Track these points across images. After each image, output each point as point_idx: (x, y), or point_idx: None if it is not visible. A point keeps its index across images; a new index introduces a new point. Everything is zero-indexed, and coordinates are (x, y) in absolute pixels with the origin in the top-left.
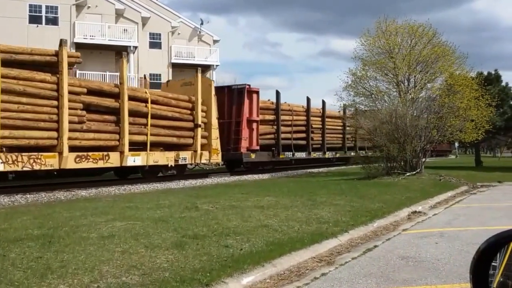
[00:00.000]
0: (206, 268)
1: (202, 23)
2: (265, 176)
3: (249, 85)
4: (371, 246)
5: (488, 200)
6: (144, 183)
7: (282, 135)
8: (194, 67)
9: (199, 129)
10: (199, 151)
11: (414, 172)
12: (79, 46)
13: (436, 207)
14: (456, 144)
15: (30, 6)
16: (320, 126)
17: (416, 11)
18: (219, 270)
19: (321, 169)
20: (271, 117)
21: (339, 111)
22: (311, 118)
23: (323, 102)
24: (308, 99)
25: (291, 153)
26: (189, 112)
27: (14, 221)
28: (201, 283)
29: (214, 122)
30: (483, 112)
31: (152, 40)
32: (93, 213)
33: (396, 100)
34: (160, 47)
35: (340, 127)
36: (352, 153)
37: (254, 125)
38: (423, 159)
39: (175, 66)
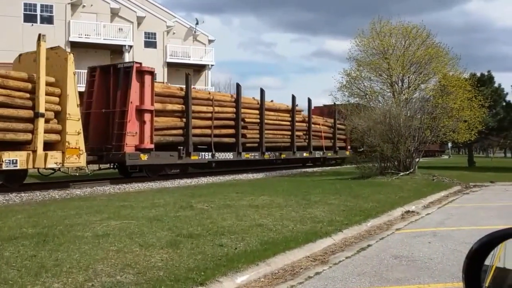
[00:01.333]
0: (201, 267)
1: (197, 23)
2: (260, 175)
3: (140, 63)
4: (364, 245)
5: (480, 200)
6: (139, 182)
7: (196, 131)
8: (190, 66)
9: (41, 119)
10: (40, 151)
11: (407, 172)
12: (74, 45)
13: (429, 206)
14: (449, 145)
15: (25, 4)
16: (258, 120)
17: (409, 12)
18: (214, 269)
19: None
20: (179, 107)
21: (303, 110)
22: (243, 110)
23: (261, 91)
24: (237, 86)
25: (210, 153)
26: (27, 96)
27: (9, 219)
28: (196, 282)
29: (74, 111)
30: (476, 113)
31: (147, 40)
32: (88, 212)
33: (390, 100)
34: (155, 47)
35: (288, 123)
36: (305, 154)
37: (147, 117)
38: (417, 159)
39: (170, 66)
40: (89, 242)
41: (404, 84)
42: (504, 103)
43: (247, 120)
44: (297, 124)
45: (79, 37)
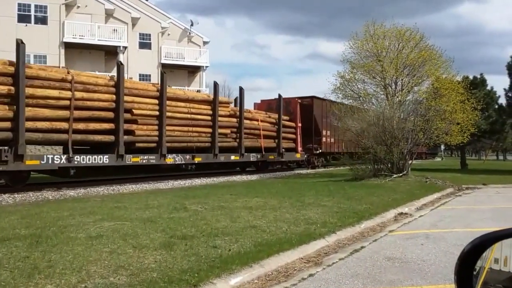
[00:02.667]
0: (194, 269)
1: (192, 24)
2: (254, 177)
3: None
4: (358, 247)
5: (473, 202)
6: (133, 183)
7: (40, 124)
8: (184, 68)
9: None
10: None
11: (400, 174)
12: (68, 46)
13: (422, 208)
14: (442, 147)
15: (19, 5)
16: (156, 113)
17: (401, 15)
18: (207, 271)
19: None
20: (3, 89)
21: (232, 102)
22: (131, 98)
23: (162, 75)
24: (118, 66)
25: (65, 156)
26: None
27: (2, 220)
28: (189, 283)
29: None
30: (469, 116)
31: (142, 41)
32: (81, 213)
33: (383, 102)
34: (150, 48)
35: (209, 117)
36: (234, 157)
37: None
38: (410, 161)
39: (165, 67)
40: (82, 244)
41: (398, 87)
42: (496, 106)
43: (137, 111)
44: (221, 119)
45: (73, 38)
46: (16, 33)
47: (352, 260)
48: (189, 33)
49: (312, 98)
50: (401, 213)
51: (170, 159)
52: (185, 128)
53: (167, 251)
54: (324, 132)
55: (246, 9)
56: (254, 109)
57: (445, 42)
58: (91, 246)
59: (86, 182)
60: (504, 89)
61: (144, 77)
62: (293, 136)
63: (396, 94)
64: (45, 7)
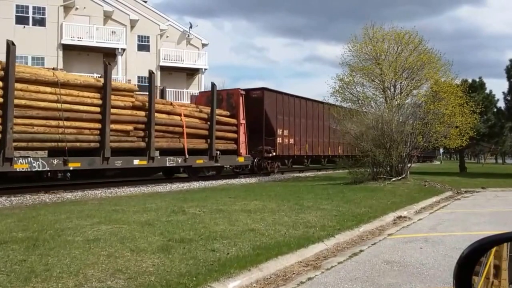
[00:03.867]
0: (192, 272)
1: (191, 27)
2: (253, 180)
3: None
4: (357, 250)
5: (472, 205)
6: (130, 186)
7: None
8: (183, 70)
9: None
10: None
11: (399, 178)
12: (66, 48)
13: (421, 212)
14: (441, 150)
15: (17, 6)
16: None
17: (399, 18)
18: (206, 274)
19: (308, 173)
20: None
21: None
22: None
23: (8, 46)
24: None
25: None
26: None
27: None
28: (187, 287)
29: None
30: (468, 119)
31: (140, 43)
32: (79, 216)
33: (382, 106)
34: (148, 50)
35: (98, 108)
36: (138, 161)
37: None
38: (409, 165)
39: (163, 69)
40: (79, 247)
41: (397, 90)
42: (495, 109)
43: None
44: (120, 111)
45: (72, 39)
46: (14, 35)
47: (351, 263)
48: (188, 36)
49: (263, 90)
50: (400, 217)
51: (22, 165)
52: (53, 122)
53: (165, 254)
54: (279, 132)
55: (244, 12)
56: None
57: (443, 45)
58: (88, 249)
59: (84, 185)
60: (503, 92)
61: (143, 80)
62: (233, 135)
63: (395, 97)
64: (43, 8)
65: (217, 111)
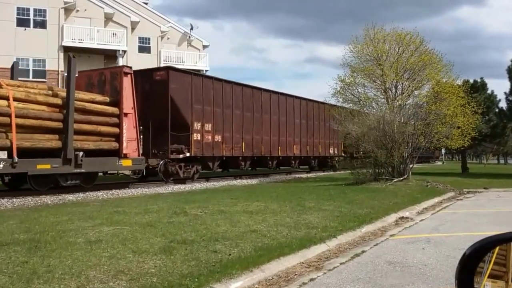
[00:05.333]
0: (194, 274)
1: (192, 28)
2: (254, 181)
3: None
4: (359, 251)
5: (474, 206)
6: (132, 187)
7: None
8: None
9: None
10: None
11: (401, 178)
12: (67, 50)
13: (423, 213)
14: (443, 151)
15: (18, 9)
16: None
17: (399, 19)
18: (207, 276)
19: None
20: None
21: None
22: None
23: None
24: None
25: None
26: None
27: (0, 225)
28: None
29: None
30: (469, 119)
31: (141, 45)
32: (80, 217)
33: (384, 106)
34: (149, 52)
35: None
36: None
37: None
38: (411, 165)
39: None
40: (81, 248)
41: (398, 91)
42: (497, 110)
43: None
44: None
45: (73, 41)
46: (15, 37)
47: (353, 264)
48: (189, 37)
49: (167, 70)
50: (402, 217)
51: None
52: None
53: (167, 255)
54: (197, 126)
55: (243, 13)
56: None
57: (444, 46)
58: (90, 251)
59: (85, 187)
60: (505, 92)
61: None
62: (113, 130)
63: (397, 98)
64: (44, 11)
65: (84, 95)
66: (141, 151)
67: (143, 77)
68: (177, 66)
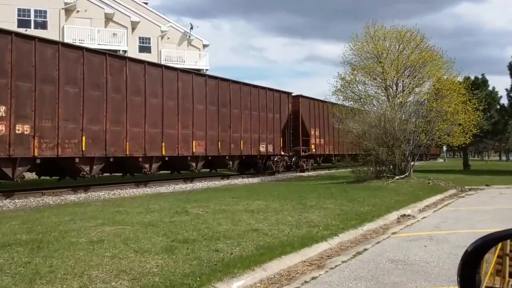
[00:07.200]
0: (196, 273)
1: (192, 28)
2: (255, 180)
3: None
4: (361, 249)
5: (476, 203)
6: (134, 187)
7: None
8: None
9: None
10: None
11: (403, 176)
12: None
13: (425, 210)
14: (444, 148)
15: (19, 10)
16: None
17: (397, 16)
18: (209, 275)
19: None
20: None
21: None
22: None
23: None
24: None
25: None
26: None
27: (3, 226)
28: (191, 287)
29: None
30: (471, 116)
31: (141, 44)
32: (82, 217)
33: (384, 104)
34: (149, 51)
35: None
36: None
37: None
38: (412, 163)
39: None
40: (83, 248)
41: (399, 88)
42: (498, 106)
43: None
44: None
45: (73, 42)
46: None
47: (355, 262)
48: (189, 37)
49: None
50: (404, 215)
51: None
52: None
53: (168, 255)
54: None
55: (242, 12)
56: None
57: (444, 43)
58: (92, 251)
59: (87, 187)
60: (506, 89)
61: None
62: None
63: (397, 96)
64: (45, 12)
65: None
66: None
67: None
68: (177, 66)
